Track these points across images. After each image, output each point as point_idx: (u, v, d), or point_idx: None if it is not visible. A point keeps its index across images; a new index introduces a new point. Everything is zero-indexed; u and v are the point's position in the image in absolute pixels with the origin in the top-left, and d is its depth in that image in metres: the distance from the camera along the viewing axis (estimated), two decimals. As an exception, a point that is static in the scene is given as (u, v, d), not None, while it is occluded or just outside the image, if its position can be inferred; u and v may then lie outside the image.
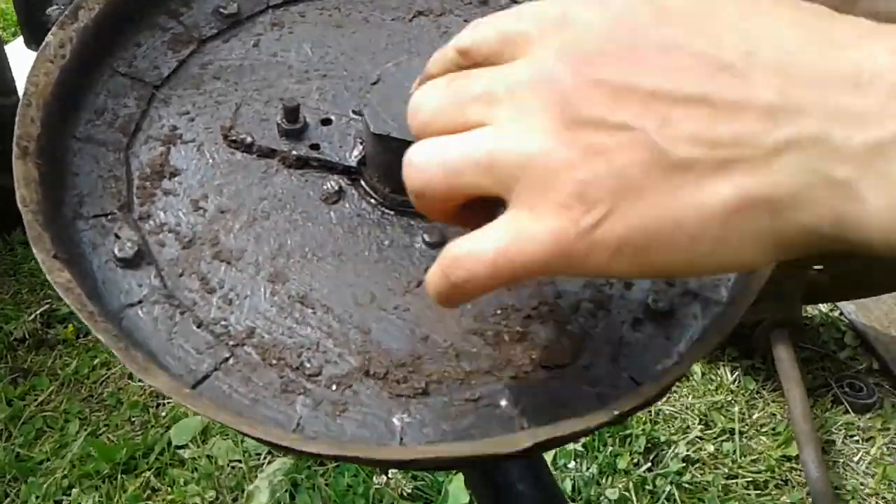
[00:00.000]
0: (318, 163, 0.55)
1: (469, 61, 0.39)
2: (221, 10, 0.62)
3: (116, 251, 0.49)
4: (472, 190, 0.36)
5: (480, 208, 0.39)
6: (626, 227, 0.32)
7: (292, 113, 0.55)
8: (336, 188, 0.53)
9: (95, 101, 0.56)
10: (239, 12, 0.62)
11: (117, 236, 0.50)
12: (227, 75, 0.59)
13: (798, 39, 0.30)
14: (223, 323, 0.48)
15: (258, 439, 0.41)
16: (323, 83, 0.59)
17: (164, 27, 0.60)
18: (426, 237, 0.52)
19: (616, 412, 0.40)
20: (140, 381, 1.57)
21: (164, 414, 1.52)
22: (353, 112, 0.57)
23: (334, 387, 0.45)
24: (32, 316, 1.66)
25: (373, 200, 0.53)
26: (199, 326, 0.47)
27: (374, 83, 0.51)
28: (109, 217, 0.51)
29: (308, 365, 0.46)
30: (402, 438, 0.44)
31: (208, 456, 1.44)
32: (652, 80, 0.31)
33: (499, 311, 0.49)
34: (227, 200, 0.53)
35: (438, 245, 0.51)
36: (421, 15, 0.64)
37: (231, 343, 0.47)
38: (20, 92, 0.50)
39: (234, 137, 0.55)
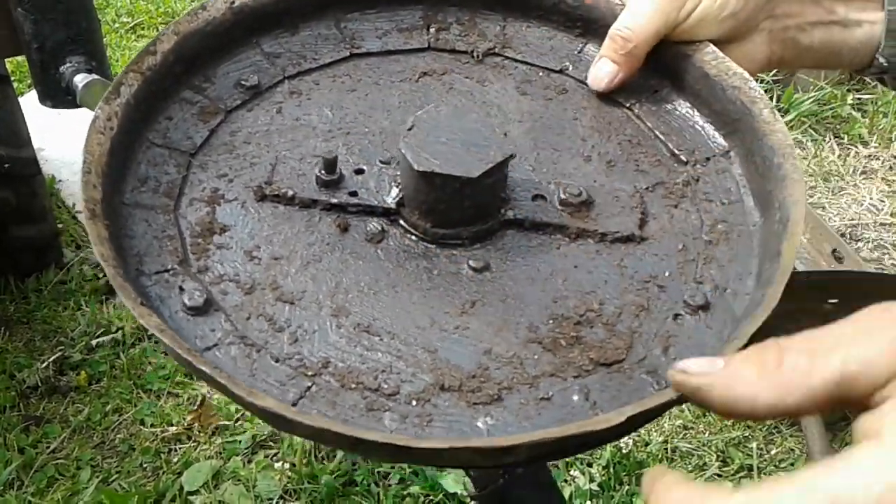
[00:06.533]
0: (359, 208, 0.59)
1: None
2: (243, 82, 0.67)
3: (186, 301, 0.53)
4: None
5: None
6: None
7: (331, 165, 0.59)
8: (379, 229, 0.58)
9: (138, 170, 0.60)
10: (259, 84, 0.67)
11: (182, 288, 0.54)
12: (257, 139, 0.64)
13: None
14: (298, 357, 0.51)
15: (371, 442, 0.43)
16: (347, 139, 0.64)
17: (190, 101, 0.65)
18: (472, 263, 0.57)
19: None
20: (152, 426, 1.57)
21: (175, 460, 1.51)
22: (381, 161, 0.62)
23: (414, 402, 0.49)
24: (45, 363, 1.67)
25: (414, 237, 0.58)
26: (276, 361, 0.51)
27: (409, 129, 0.56)
28: (171, 272, 0.55)
29: (385, 386, 0.50)
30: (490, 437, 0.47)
31: (220, 501, 1.43)
32: None
33: (551, 321, 0.54)
34: (278, 248, 0.57)
35: (484, 269, 0.56)
36: (426, 75, 0.70)
37: (310, 373, 0.51)
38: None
39: (275, 192, 0.60)
